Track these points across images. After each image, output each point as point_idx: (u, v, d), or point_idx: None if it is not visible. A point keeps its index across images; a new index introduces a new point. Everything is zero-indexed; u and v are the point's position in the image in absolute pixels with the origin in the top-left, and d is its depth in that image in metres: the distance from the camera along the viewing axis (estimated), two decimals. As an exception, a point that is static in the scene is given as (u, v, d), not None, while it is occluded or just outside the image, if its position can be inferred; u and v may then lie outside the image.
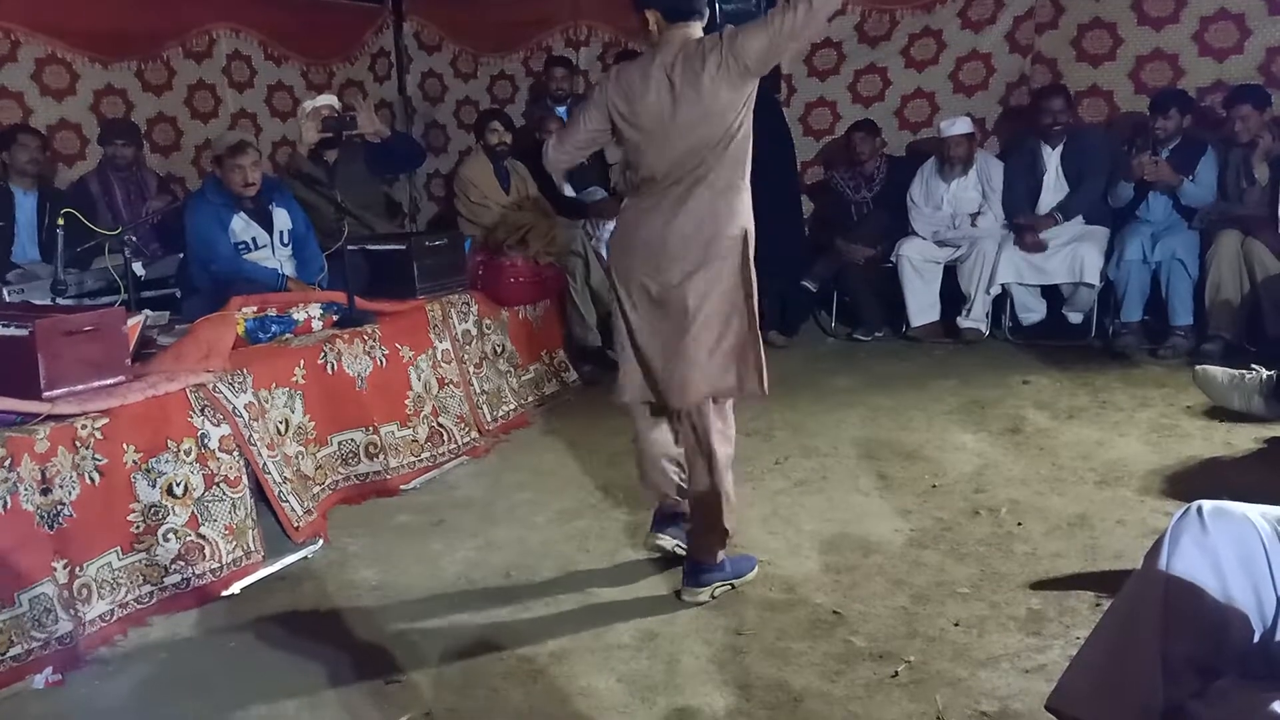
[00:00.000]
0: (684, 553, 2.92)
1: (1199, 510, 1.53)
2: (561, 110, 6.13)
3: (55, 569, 2.66)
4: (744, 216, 2.75)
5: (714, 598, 2.81)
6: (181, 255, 4.39)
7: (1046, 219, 5.51)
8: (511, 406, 4.62)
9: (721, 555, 2.84)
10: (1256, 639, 1.48)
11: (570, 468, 4.00)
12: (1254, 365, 4.02)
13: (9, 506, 2.56)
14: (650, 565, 3.05)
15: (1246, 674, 1.46)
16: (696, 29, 2.75)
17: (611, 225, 4.18)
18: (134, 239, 3.87)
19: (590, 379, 5.19)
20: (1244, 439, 3.80)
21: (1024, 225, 5.49)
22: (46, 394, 2.83)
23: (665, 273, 2.76)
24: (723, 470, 2.82)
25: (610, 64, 6.59)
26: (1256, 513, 1.53)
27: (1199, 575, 1.47)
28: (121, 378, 3.02)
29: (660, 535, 3.00)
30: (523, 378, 4.82)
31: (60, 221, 3.56)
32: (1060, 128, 5.48)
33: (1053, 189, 5.57)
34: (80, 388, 2.91)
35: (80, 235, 3.70)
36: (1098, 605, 2.61)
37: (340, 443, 3.73)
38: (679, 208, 2.73)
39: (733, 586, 2.85)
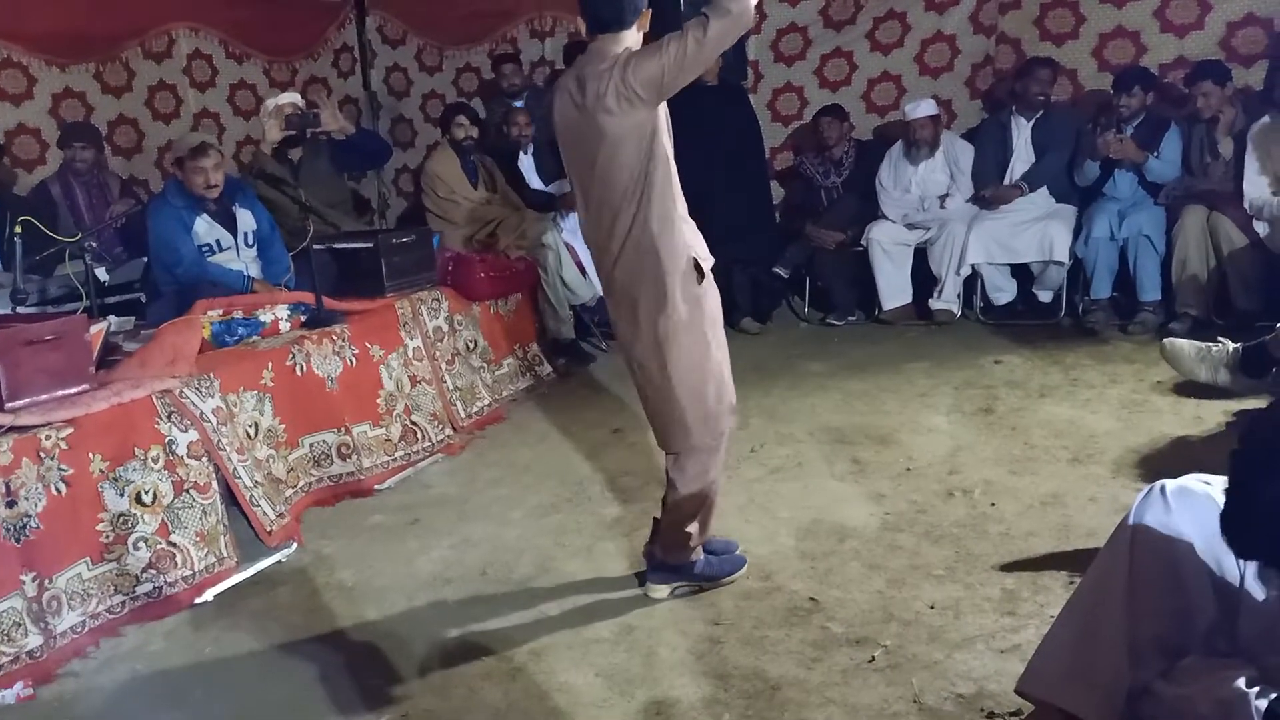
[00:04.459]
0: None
1: (1162, 489, 1.54)
2: (519, 104, 6.11)
3: (24, 582, 2.62)
4: (672, 254, 2.55)
5: (674, 595, 2.80)
6: (146, 259, 4.33)
7: (1012, 189, 5.56)
8: (485, 402, 4.60)
9: (694, 556, 2.81)
10: (1220, 616, 1.49)
11: (546, 462, 3.99)
12: (1220, 338, 4.06)
13: (-27, 521, 2.53)
14: (627, 560, 3.05)
15: (1211, 652, 1.48)
16: (624, 39, 2.53)
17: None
18: (94, 244, 3.82)
19: (565, 372, 5.17)
20: (1213, 414, 3.83)
21: (989, 196, 5.58)
22: (8, 405, 2.79)
23: (617, 322, 2.70)
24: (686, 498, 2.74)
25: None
26: (1219, 488, 1.54)
27: (1163, 555, 1.48)
28: (85, 386, 2.99)
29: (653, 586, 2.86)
30: (496, 373, 4.80)
31: (17, 229, 3.51)
32: (1044, 98, 5.51)
33: (1023, 161, 5.60)
34: (43, 398, 2.87)
35: (40, 242, 3.65)
36: (1071, 583, 2.63)
37: (312, 444, 3.70)
38: (609, 245, 2.61)
39: (701, 589, 2.81)
